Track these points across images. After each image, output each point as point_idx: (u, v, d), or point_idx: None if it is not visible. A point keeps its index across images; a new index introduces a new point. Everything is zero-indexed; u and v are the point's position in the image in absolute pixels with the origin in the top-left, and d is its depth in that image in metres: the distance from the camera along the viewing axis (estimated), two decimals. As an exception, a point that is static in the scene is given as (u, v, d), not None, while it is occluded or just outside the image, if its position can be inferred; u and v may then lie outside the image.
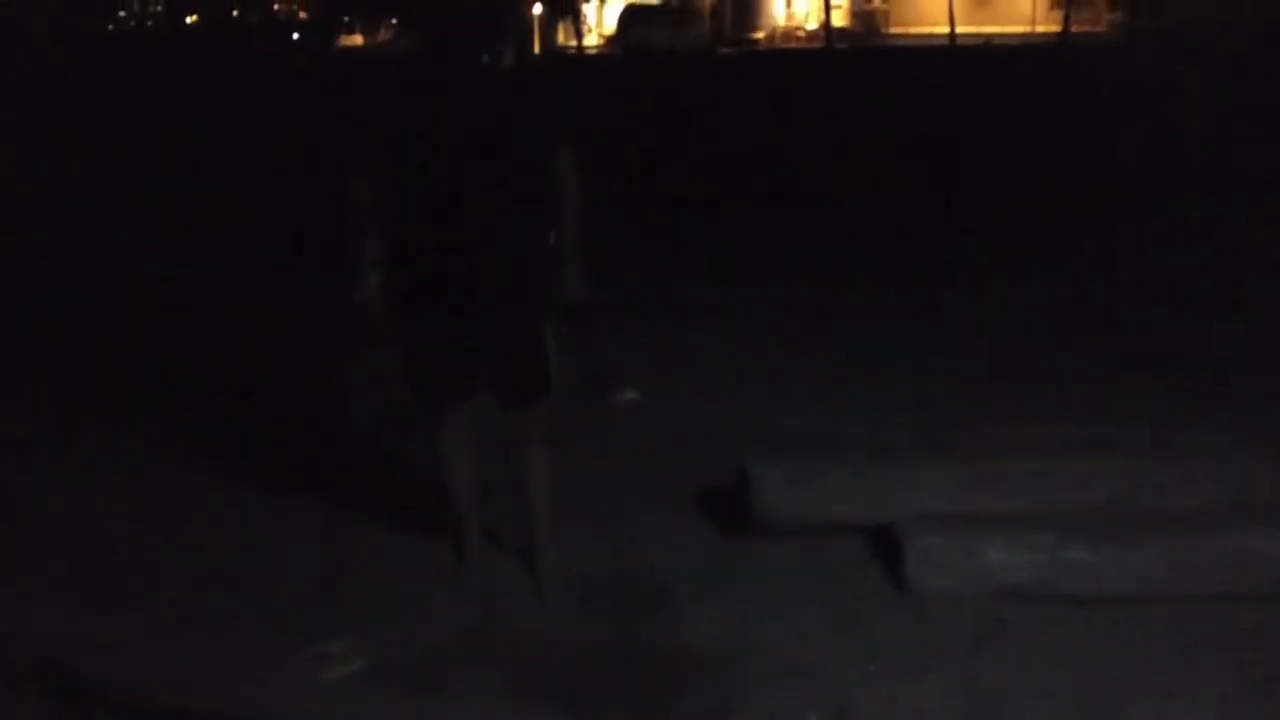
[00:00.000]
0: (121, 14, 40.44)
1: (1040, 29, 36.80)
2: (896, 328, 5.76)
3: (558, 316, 3.26)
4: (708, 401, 4.50)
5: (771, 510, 3.54)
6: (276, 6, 42.93)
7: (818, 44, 37.97)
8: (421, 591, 3.36)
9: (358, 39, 46.97)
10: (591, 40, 44.33)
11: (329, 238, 3.51)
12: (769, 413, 4.35)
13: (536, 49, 33.52)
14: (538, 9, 38.59)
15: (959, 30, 35.00)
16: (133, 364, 5.26)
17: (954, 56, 26.86)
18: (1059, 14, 34.96)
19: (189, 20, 41.83)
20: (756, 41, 41.73)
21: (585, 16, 44.73)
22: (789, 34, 42.95)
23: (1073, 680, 2.96)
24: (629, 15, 38.80)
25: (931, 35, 36.87)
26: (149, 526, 3.72)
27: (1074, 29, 33.91)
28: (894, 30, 41.11)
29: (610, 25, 42.91)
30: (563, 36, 43.43)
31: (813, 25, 41.98)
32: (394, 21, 43.64)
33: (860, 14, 43.15)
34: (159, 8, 42.27)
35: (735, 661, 3.03)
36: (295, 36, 41.88)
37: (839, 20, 40.16)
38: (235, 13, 40.48)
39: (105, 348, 5.48)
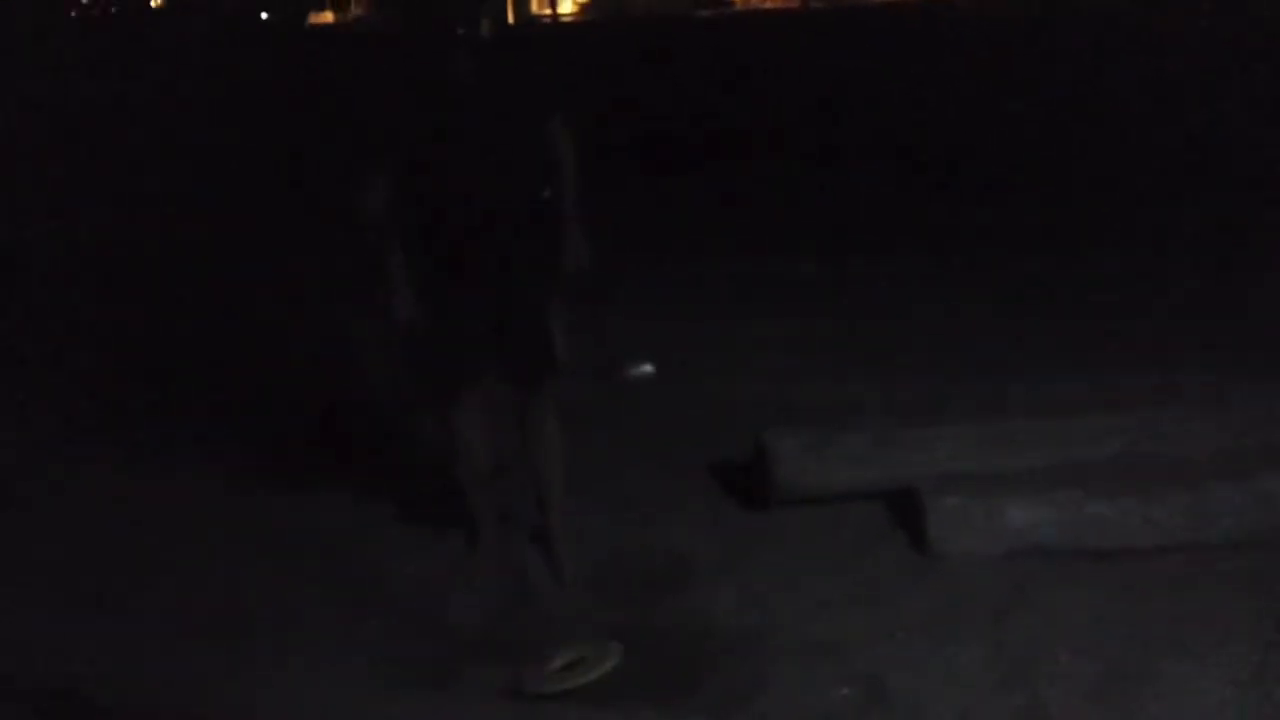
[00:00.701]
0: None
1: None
2: (897, 295, 5.72)
3: (565, 288, 3.22)
4: (719, 375, 4.46)
5: (790, 481, 3.51)
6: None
7: (794, 5, 37.65)
8: (437, 580, 3.33)
9: (328, 16, 46.43)
10: (566, 8, 43.91)
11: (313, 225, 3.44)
12: (781, 384, 4.32)
13: (510, 18, 33.20)
14: (510, -23, 38.16)
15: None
16: (126, 362, 5.19)
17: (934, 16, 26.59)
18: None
19: (154, 3, 41.29)
20: (733, 4, 41.41)
21: (559, -17, 44.29)
22: (765, -6, 42.63)
23: (1102, 638, 2.94)
24: (602, -20, 38.49)
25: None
26: (150, 528, 3.67)
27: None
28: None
29: (584, -9, 42.53)
30: (536, 5, 43.01)
31: (787, -16, 41.62)
32: (364, -2, 43.18)
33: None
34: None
35: (761, 637, 3.01)
36: (264, 15, 41.38)
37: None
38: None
39: (97, 347, 5.42)
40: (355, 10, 45.44)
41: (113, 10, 40.37)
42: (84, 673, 2.85)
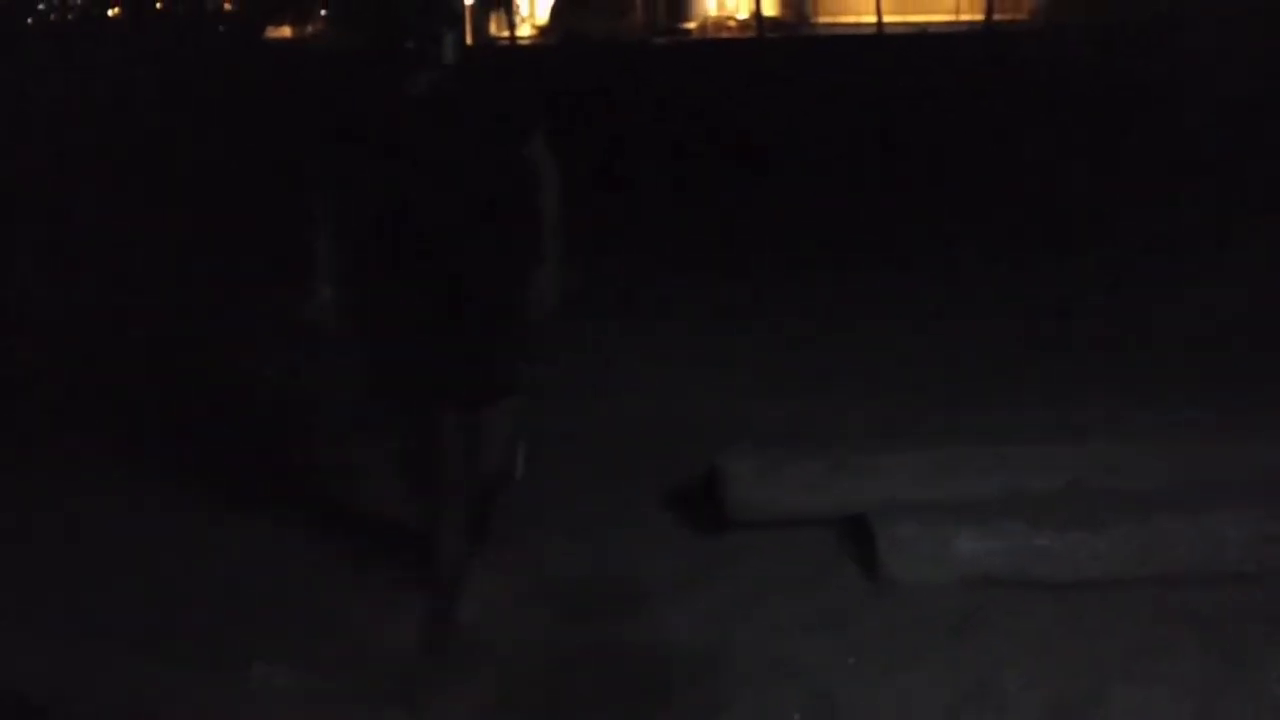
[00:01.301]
0: (41, 6, 39.26)
1: (964, 18, 37.22)
2: (854, 317, 5.77)
3: (525, 334, 3.14)
4: (676, 398, 4.46)
5: (744, 505, 3.52)
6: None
7: (750, 33, 38.06)
8: (394, 603, 3.26)
9: (286, 31, 46.13)
10: (525, 31, 44.03)
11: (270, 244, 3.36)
12: (737, 406, 4.33)
13: (469, 39, 33.20)
14: (469, -1, 38.25)
15: (885, 19, 35.35)
16: (72, 382, 5.04)
17: (883, 45, 27.06)
18: (982, 2, 35.39)
19: (110, 13, 40.78)
20: (689, 31, 41.75)
21: (518, 6, 44.39)
22: (720, 24, 43.03)
23: (1052, 667, 2.98)
24: (562, 5, 38.61)
25: (859, 25, 37.18)
26: (98, 552, 3.58)
27: (996, 17, 34.36)
28: (823, 19, 41.35)
29: (543, 15, 42.66)
30: (495, 27, 43.07)
31: (743, 15, 42.09)
32: (324, 13, 42.95)
33: (790, 3, 43.37)
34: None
35: (717, 661, 3.01)
36: (220, 29, 41.02)
37: (769, 10, 40.31)
38: (159, 4, 39.48)
39: (47, 369, 5.26)
40: (313, 26, 45.21)
41: (69, 19, 39.81)
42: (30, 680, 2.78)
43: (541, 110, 3.13)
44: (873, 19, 35.74)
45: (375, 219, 3.03)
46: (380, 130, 2.98)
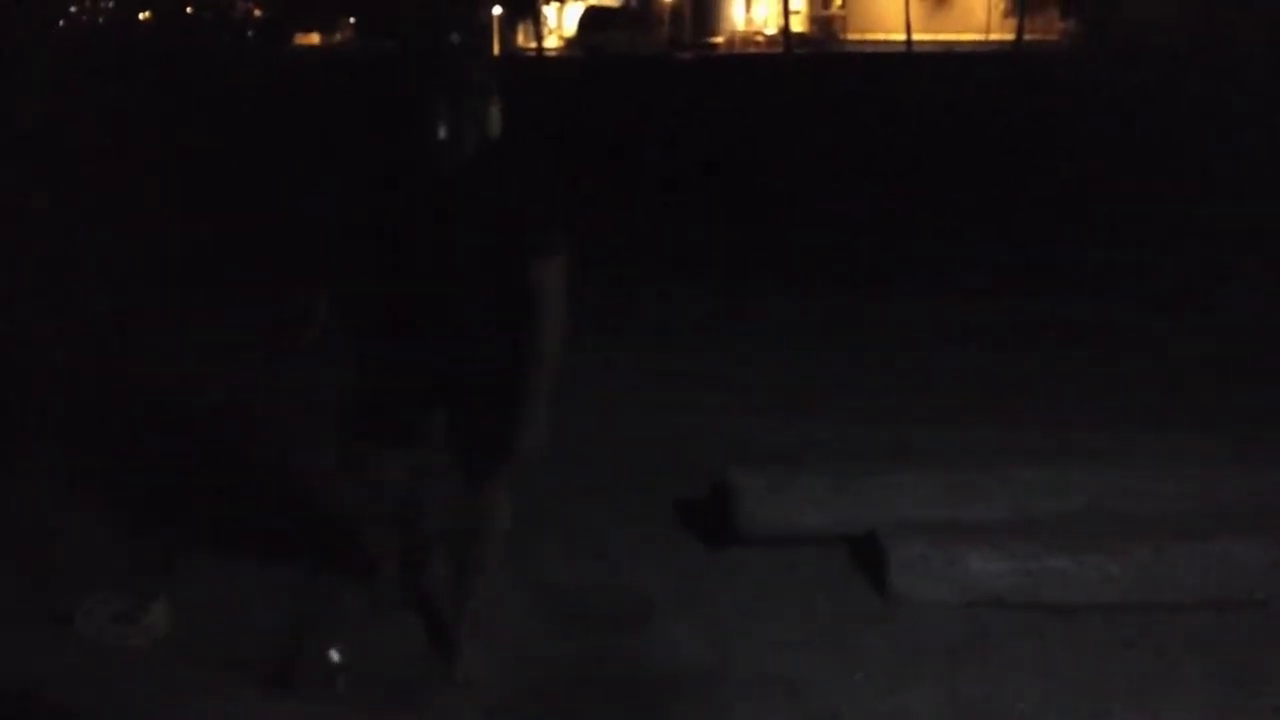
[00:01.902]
0: (73, 9, 39.71)
1: (994, 37, 37.19)
2: (865, 337, 5.76)
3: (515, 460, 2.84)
4: (683, 415, 4.45)
5: (752, 521, 3.51)
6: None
7: (777, 49, 38.13)
8: (382, 613, 3.21)
9: (314, 38, 46.49)
10: (551, 42, 44.23)
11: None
12: (744, 424, 4.32)
13: (496, 49, 33.37)
14: (497, 10, 38.44)
15: (915, 37, 35.37)
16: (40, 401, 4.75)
17: (913, 62, 27.03)
18: (1013, 22, 35.35)
19: (142, 16, 41.19)
20: (716, 46, 41.86)
21: (545, 18, 44.62)
22: (748, 39, 43.13)
23: (1056, 690, 2.96)
24: (589, 17, 38.79)
25: (888, 41, 37.20)
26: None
27: (1027, 36, 34.33)
28: (851, 36, 41.40)
29: (571, 27, 42.85)
30: (521, 38, 43.29)
31: (771, 30, 42.17)
32: (352, 21, 43.28)
33: (819, 19, 43.43)
34: (111, 3, 41.52)
35: (719, 676, 2.99)
36: (249, 34, 41.37)
37: (798, 26, 40.38)
38: (189, 9, 39.87)
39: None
40: (341, 34, 45.56)
41: (99, 21, 40.25)
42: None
43: (561, 231, 2.79)
44: (902, 36, 35.77)
45: (387, 260, 2.86)
46: (406, 179, 2.77)
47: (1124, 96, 15.12)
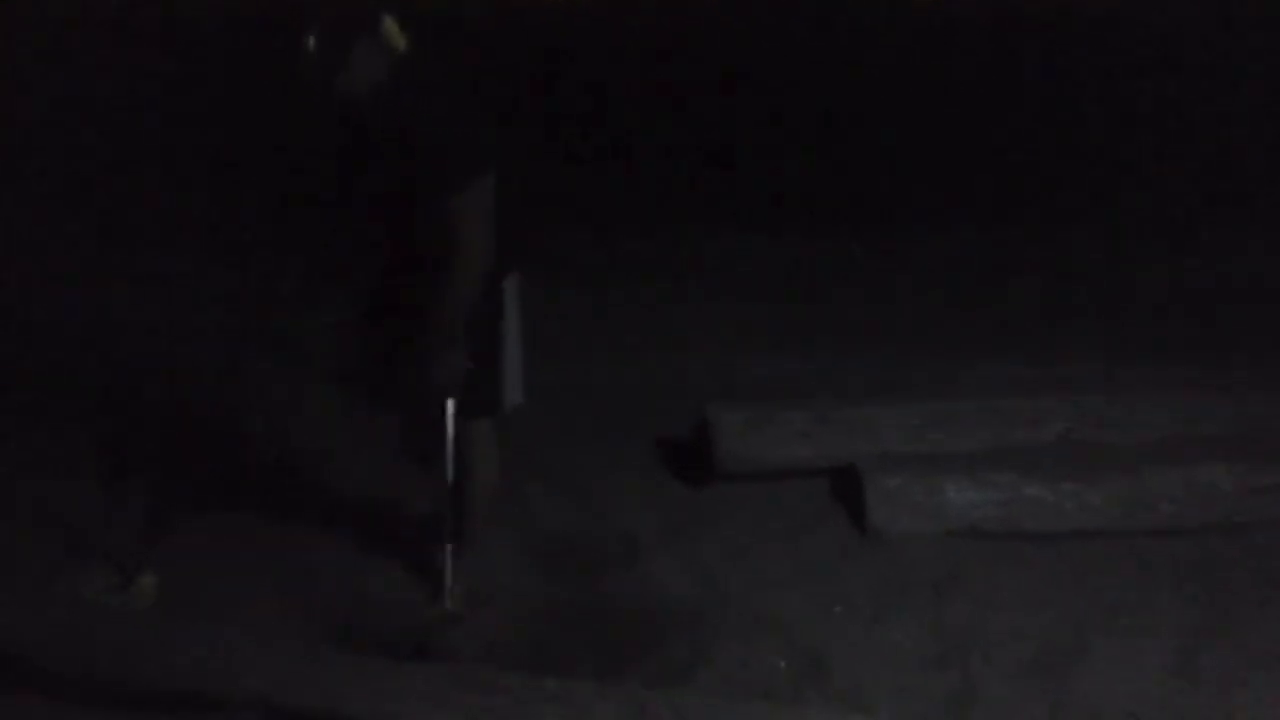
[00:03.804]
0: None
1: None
2: (844, 273, 5.70)
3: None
4: (663, 354, 4.42)
5: (732, 457, 3.51)
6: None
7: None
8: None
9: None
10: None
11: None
12: (725, 362, 4.28)
13: None
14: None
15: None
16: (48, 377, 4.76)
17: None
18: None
19: None
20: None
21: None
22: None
23: (1037, 618, 3.00)
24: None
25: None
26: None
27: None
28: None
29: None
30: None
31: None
32: None
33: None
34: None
35: (704, 612, 3.02)
36: None
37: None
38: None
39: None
40: None
41: None
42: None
43: (470, 162, 2.65)
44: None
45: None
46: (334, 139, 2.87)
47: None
